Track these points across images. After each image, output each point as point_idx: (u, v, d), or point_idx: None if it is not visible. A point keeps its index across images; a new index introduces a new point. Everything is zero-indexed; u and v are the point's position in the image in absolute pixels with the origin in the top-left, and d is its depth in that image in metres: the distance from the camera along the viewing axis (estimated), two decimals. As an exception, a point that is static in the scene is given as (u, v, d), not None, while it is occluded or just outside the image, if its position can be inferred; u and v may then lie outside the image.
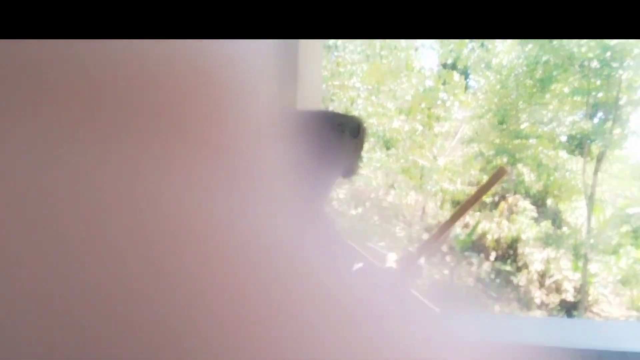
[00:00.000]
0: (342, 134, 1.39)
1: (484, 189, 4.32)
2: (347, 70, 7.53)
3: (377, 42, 7.84)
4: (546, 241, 7.73)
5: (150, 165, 0.17)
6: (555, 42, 8.48)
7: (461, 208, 4.29)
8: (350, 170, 1.46)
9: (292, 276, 0.19)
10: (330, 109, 7.09)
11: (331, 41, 7.33)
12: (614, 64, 7.99)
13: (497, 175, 4.26)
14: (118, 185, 0.16)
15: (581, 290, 7.40)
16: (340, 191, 6.64)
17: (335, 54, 7.54)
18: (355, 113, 7.42)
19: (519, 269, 7.64)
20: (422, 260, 3.27)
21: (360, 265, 3.14)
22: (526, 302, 7.47)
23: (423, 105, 8.16)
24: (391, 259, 3.90)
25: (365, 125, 1.50)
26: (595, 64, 8.21)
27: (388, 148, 7.75)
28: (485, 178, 7.80)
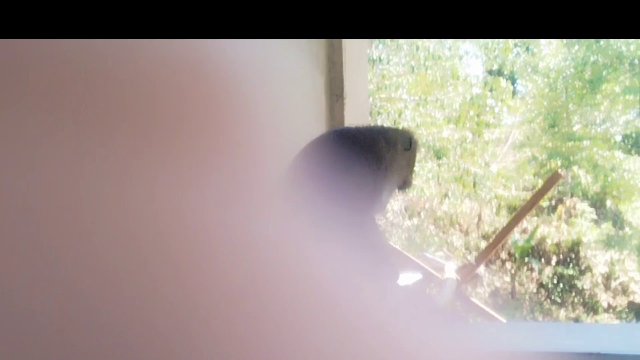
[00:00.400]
0: (394, 148, 1.37)
1: (539, 194, 4.18)
2: (393, 82, 7.49)
3: (422, 53, 7.79)
4: (608, 243, 7.51)
5: (146, 166, 0.16)
6: (603, 42, 8.30)
7: (518, 215, 4.16)
8: (405, 182, 1.44)
9: (332, 287, 0.19)
10: (379, 122, 7.05)
11: (375, 54, 7.31)
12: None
13: (552, 179, 4.11)
14: (110, 186, 0.16)
15: (649, 290, 7.17)
16: (395, 203, 6.57)
17: (380, 67, 7.50)
18: (403, 124, 7.36)
19: (582, 273, 7.42)
20: (481, 269, 3.14)
21: (419, 276, 3.05)
22: (592, 306, 7.24)
23: (471, 112, 8.06)
24: (450, 269, 3.80)
25: (416, 137, 1.49)
26: (645, 61, 8.00)
27: (439, 157, 7.66)
28: (539, 182, 7.65)
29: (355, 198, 1.28)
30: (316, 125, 2.79)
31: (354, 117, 2.91)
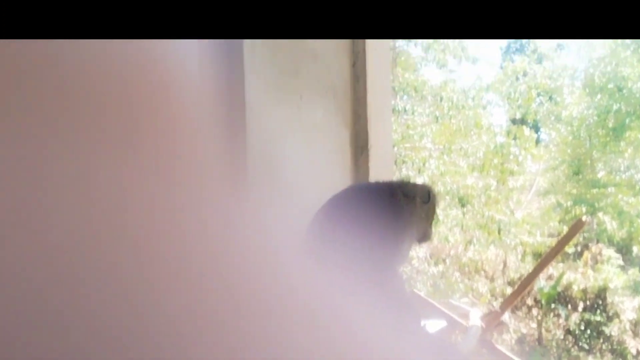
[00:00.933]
0: (413, 201, 1.40)
1: (564, 241, 4.16)
2: (417, 132, 7.53)
3: (445, 104, 7.84)
4: (636, 289, 7.35)
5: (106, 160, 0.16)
6: (625, 90, 8.29)
7: (542, 261, 4.15)
8: (424, 235, 1.46)
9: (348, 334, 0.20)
10: (404, 170, 7.08)
11: (400, 105, 7.38)
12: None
13: (576, 227, 4.10)
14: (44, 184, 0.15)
15: (678, 337, 6.98)
16: (420, 250, 6.55)
17: (405, 117, 7.57)
18: (428, 173, 7.38)
19: (609, 319, 7.26)
20: (506, 316, 3.13)
21: (443, 323, 3.06)
22: (621, 352, 7.06)
23: (495, 161, 8.05)
24: (475, 316, 3.78)
25: (435, 191, 1.51)
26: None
27: (463, 205, 7.63)
28: (565, 229, 7.57)
29: (375, 251, 1.30)
30: (342, 176, 2.84)
31: (379, 168, 2.95)
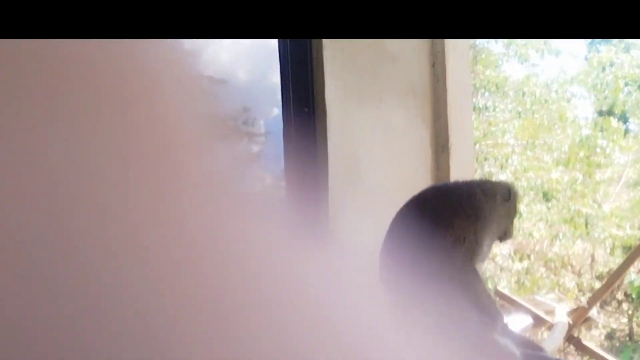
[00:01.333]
0: (493, 199, 1.41)
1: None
2: (500, 128, 7.39)
3: (528, 99, 7.66)
4: None
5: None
6: None
7: (631, 255, 4.04)
8: (505, 233, 1.46)
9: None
10: (485, 167, 6.97)
11: (481, 102, 7.26)
12: None
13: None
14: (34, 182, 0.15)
15: None
16: (503, 247, 6.43)
17: (486, 114, 7.44)
18: (510, 168, 7.23)
19: None
20: (594, 311, 3.07)
21: (529, 320, 3.02)
22: None
23: (581, 154, 7.79)
24: (561, 312, 3.70)
25: (515, 188, 1.51)
26: None
27: (548, 200, 7.43)
28: (657, 221, 7.24)
29: (456, 250, 1.32)
30: (423, 176, 2.84)
31: (460, 167, 2.94)
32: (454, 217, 1.33)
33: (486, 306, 1.33)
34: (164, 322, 0.15)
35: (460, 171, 2.92)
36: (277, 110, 3.12)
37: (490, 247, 1.44)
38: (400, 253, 1.29)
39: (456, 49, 2.90)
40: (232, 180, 0.19)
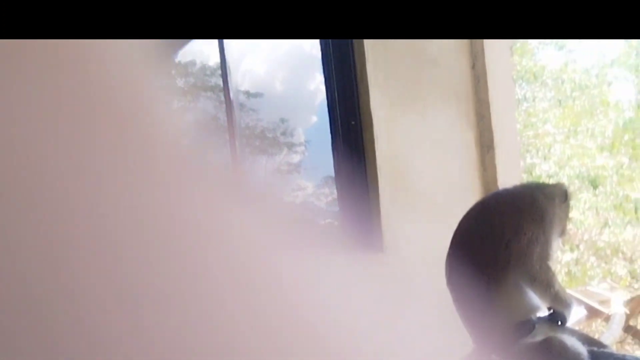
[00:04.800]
0: (553, 201, 1.51)
1: None
2: (540, 118, 7.36)
3: (567, 85, 7.60)
4: None
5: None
6: None
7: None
8: (563, 231, 1.56)
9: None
10: (528, 159, 6.94)
11: (520, 93, 7.23)
12: None
13: None
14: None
15: None
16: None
17: (526, 105, 7.41)
18: (554, 158, 7.19)
19: None
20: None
21: (583, 312, 3.09)
22: None
23: (626, 137, 7.70)
24: (617, 302, 3.73)
25: (570, 190, 1.61)
26: None
27: (595, 187, 7.36)
28: None
29: (531, 251, 1.42)
30: (470, 177, 2.91)
31: (506, 165, 3.00)
32: (522, 221, 1.43)
33: (564, 301, 1.44)
34: (186, 326, 0.15)
35: (507, 169, 2.99)
36: (315, 118, 3.20)
37: (557, 246, 1.54)
38: (469, 257, 1.39)
39: (495, 48, 2.96)
40: (275, 189, 0.18)
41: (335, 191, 2.78)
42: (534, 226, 1.42)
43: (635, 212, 7.30)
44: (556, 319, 1.45)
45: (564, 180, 7.12)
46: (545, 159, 7.18)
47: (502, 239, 1.41)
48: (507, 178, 2.90)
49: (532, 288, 1.42)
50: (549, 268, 1.44)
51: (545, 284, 1.41)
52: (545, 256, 1.43)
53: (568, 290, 3.67)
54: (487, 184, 2.85)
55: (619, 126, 7.76)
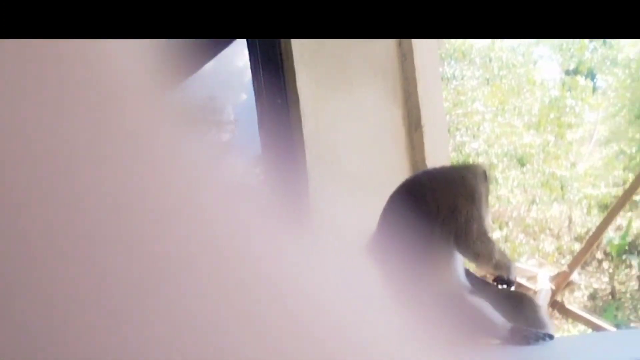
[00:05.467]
0: (477, 180, 1.56)
1: (630, 192, 4.22)
2: (469, 97, 7.53)
3: (495, 64, 7.80)
4: None
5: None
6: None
7: (609, 215, 4.23)
8: (487, 209, 1.62)
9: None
10: (457, 137, 7.11)
11: (448, 72, 7.38)
12: None
13: (639, 178, 4.13)
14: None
15: None
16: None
17: (454, 83, 7.57)
18: (483, 136, 7.39)
19: (685, 263, 7.15)
20: (575, 274, 3.26)
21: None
22: (700, 298, 6.97)
23: (552, 116, 7.98)
24: (543, 278, 3.88)
25: (489, 171, 1.68)
26: None
27: (522, 164, 7.62)
28: (630, 176, 7.46)
29: (470, 227, 1.48)
30: (399, 155, 2.95)
31: (434, 143, 3.06)
32: (457, 199, 1.49)
33: (505, 265, 1.52)
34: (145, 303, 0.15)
35: (435, 147, 3.04)
36: (245, 96, 3.18)
37: (489, 221, 1.60)
38: (399, 233, 1.42)
39: (421, 25, 2.99)
40: (203, 170, 0.19)
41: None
42: (468, 204, 1.48)
43: (562, 189, 7.59)
44: (503, 283, 1.53)
45: (493, 159, 7.34)
46: (474, 137, 7.37)
47: (437, 216, 1.46)
48: (436, 156, 2.95)
49: (475, 262, 1.50)
50: (488, 241, 1.51)
51: (488, 257, 1.49)
52: (483, 231, 1.50)
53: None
54: (416, 163, 2.90)
55: (545, 104, 8.03)
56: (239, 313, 0.16)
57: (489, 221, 1.60)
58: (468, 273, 1.55)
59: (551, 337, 1.40)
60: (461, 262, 1.52)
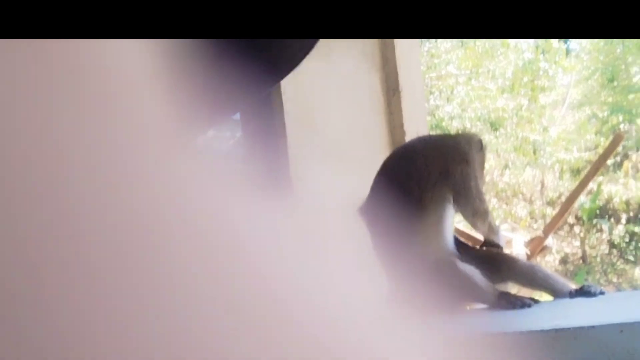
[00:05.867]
0: (472, 148, 1.58)
1: (603, 158, 4.26)
2: (443, 60, 7.54)
3: (468, 26, 7.77)
4: (680, 194, 7.38)
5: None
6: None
7: (583, 181, 4.27)
8: (482, 179, 1.65)
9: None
10: (431, 100, 7.12)
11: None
12: None
13: (615, 141, 4.23)
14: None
15: None
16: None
17: (428, 45, 7.56)
18: (457, 100, 7.41)
19: (655, 229, 7.33)
20: (549, 239, 3.32)
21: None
22: (667, 262, 7.16)
23: (525, 79, 8.03)
24: (518, 243, 3.93)
25: (485, 140, 1.70)
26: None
27: (496, 129, 7.68)
28: (602, 141, 7.58)
29: (467, 187, 1.51)
30: (377, 120, 2.96)
31: (412, 108, 3.07)
32: (448, 164, 1.51)
33: (495, 229, 1.55)
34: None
35: (412, 113, 3.05)
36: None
37: (484, 187, 1.63)
38: (391, 198, 1.43)
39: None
40: (185, 137, 0.19)
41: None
42: (461, 166, 1.50)
43: (534, 153, 7.68)
44: (492, 246, 1.57)
45: (467, 123, 7.38)
46: (448, 100, 7.40)
47: (428, 180, 1.48)
48: (413, 121, 2.97)
49: (472, 220, 1.52)
50: (485, 201, 1.54)
51: (484, 216, 1.51)
52: (480, 190, 1.52)
53: (472, 233, 3.84)
54: (394, 128, 2.91)
55: (518, 67, 8.08)
56: (212, 280, 0.16)
57: (484, 187, 1.62)
58: (455, 239, 1.58)
59: (536, 301, 1.44)
60: (451, 229, 1.54)
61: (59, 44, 0.17)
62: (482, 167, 1.62)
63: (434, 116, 7.26)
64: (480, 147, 1.62)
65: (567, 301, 1.44)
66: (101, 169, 0.16)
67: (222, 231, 0.17)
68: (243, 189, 0.20)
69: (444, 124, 7.29)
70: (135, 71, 0.19)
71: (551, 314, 1.33)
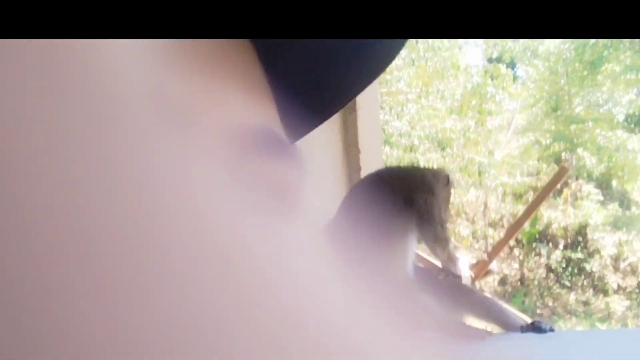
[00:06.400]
0: (438, 182, 1.59)
1: (547, 190, 4.34)
2: (394, 76, 7.62)
3: (421, 45, 7.91)
4: (615, 224, 7.61)
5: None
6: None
7: (527, 210, 4.35)
8: (446, 213, 1.67)
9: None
10: (382, 116, 7.18)
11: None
12: (665, 37, 7.87)
13: (559, 174, 4.32)
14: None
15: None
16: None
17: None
18: (407, 117, 7.49)
19: (590, 255, 7.55)
20: (494, 264, 3.39)
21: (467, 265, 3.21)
22: (602, 288, 7.38)
23: (473, 102, 8.19)
24: (464, 266, 3.97)
25: (452, 176, 1.72)
26: (645, 39, 8.09)
27: (443, 148, 7.80)
28: (544, 167, 7.77)
29: (430, 214, 1.51)
30: (333, 138, 2.96)
31: (367, 126, 3.08)
32: (411, 192, 1.52)
33: (455, 258, 1.61)
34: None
35: (368, 131, 3.06)
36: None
37: (447, 219, 1.64)
38: (357, 224, 1.43)
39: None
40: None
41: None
42: (425, 195, 1.52)
43: (479, 175, 7.83)
44: (450, 274, 1.58)
45: (415, 140, 7.47)
46: (398, 117, 7.47)
47: (392, 208, 1.49)
48: (367, 138, 2.98)
49: (433, 246, 1.53)
50: (447, 230, 1.58)
51: (445, 244, 1.55)
52: (443, 219, 1.55)
53: (418, 252, 3.87)
54: (349, 146, 2.91)
55: (467, 90, 8.23)
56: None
57: (447, 219, 1.64)
58: (415, 266, 1.58)
59: (489, 334, 1.45)
60: (412, 259, 1.55)
61: (62, 43, 0.18)
62: (447, 202, 1.64)
63: (384, 131, 7.32)
64: (447, 182, 1.64)
65: (519, 336, 1.47)
66: (107, 169, 0.16)
67: (232, 236, 0.17)
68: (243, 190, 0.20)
69: (392, 139, 7.35)
70: (144, 71, 0.20)
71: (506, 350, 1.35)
